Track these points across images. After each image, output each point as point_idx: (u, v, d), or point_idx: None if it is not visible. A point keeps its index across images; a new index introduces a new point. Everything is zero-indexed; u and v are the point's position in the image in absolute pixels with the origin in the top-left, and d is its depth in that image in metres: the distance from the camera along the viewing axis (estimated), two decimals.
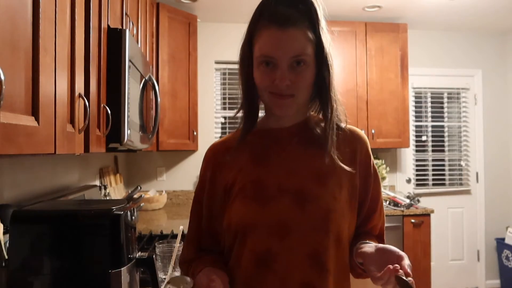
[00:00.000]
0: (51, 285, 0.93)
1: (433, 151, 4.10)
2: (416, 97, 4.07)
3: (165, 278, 1.35)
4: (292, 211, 0.89)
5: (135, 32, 2.18)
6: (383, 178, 3.70)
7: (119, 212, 0.97)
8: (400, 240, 3.27)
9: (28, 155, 0.81)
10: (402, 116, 3.63)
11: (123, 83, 1.51)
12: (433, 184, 4.08)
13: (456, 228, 4.05)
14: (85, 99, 1.15)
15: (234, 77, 3.79)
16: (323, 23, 0.90)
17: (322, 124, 0.98)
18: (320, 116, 0.99)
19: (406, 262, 0.79)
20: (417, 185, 4.04)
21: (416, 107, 4.07)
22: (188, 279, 0.88)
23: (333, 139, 0.92)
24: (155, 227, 2.49)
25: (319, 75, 0.90)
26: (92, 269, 0.94)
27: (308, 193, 0.90)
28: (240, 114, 0.98)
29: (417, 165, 4.06)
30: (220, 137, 3.05)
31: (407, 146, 3.67)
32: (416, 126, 4.06)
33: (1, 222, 1.13)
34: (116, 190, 2.85)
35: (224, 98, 3.83)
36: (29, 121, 0.80)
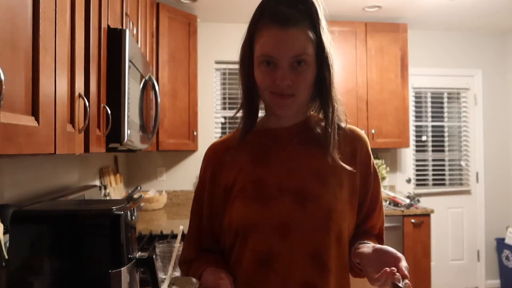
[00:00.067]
0: (51, 285, 0.93)
1: (433, 151, 4.10)
2: (416, 97, 4.07)
3: (165, 278, 1.35)
4: (293, 211, 0.89)
5: (135, 32, 2.18)
6: (383, 178, 3.70)
7: (119, 212, 0.97)
8: (400, 240, 3.27)
9: (28, 155, 0.81)
10: (402, 116, 3.63)
11: (123, 83, 1.51)
12: (433, 184, 4.08)
13: (456, 228, 4.05)
14: (85, 99, 1.15)
15: (234, 77, 3.79)
16: (323, 23, 0.90)
17: (322, 124, 0.98)
18: (320, 115, 0.99)
19: (403, 264, 0.79)
20: (417, 185, 4.04)
21: (416, 107, 4.07)
22: (194, 280, 0.88)
23: (334, 139, 0.92)
24: (155, 227, 2.49)
25: (319, 75, 0.91)
26: (92, 269, 0.94)
27: (308, 193, 0.90)
28: (240, 114, 0.98)
29: (417, 165, 4.06)
30: (220, 137, 3.06)
31: (407, 146, 3.68)
32: (416, 126, 4.06)
33: (1, 222, 1.13)
34: (116, 190, 2.85)
35: (224, 98, 3.83)
36: (29, 121, 0.80)
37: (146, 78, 1.96)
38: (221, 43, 3.71)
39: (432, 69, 4.05)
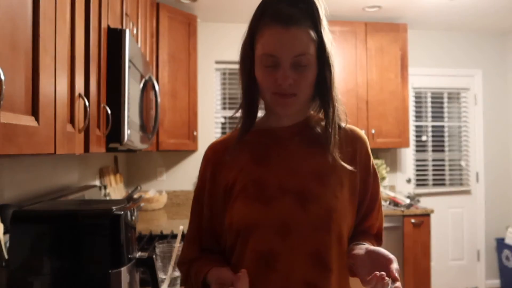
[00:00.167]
0: (51, 285, 0.93)
1: (433, 151, 4.10)
2: (416, 97, 4.07)
3: (165, 278, 1.35)
4: (294, 211, 0.89)
5: (135, 32, 2.18)
6: (383, 178, 3.69)
7: (119, 212, 0.97)
8: (400, 240, 3.27)
9: (28, 155, 0.81)
10: (402, 116, 3.64)
11: (123, 83, 1.51)
12: (433, 184, 4.08)
13: (456, 228, 4.05)
14: (85, 99, 1.15)
15: (234, 77, 3.79)
16: (324, 23, 0.90)
17: (323, 123, 0.98)
18: (320, 115, 0.99)
19: (394, 266, 0.79)
20: (417, 185, 4.04)
21: (416, 107, 4.07)
22: None
23: (335, 139, 0.92)
24: (155, 227, 2.49)
25: (320, 74, 0.90)
26: (92, 269, 0.94)
27: (309, 193, 0.90)
28: (239, 114, 0.98)
29: (417, 165, 4.06)
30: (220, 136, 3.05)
31: (407, 146, 3.68)
32: (416, 126, 4.06)
33: (1, 222, 1.13)
34: (116, 190, 2.85)
35: (224, 98, 3.83)
36: (29, 121, 0.80)
37: (146, 78, 1.96)
38: (221, 43, 3.72)
39: (432, 69, 4.05)
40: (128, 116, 1.53)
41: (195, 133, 3.37)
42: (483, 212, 4.10)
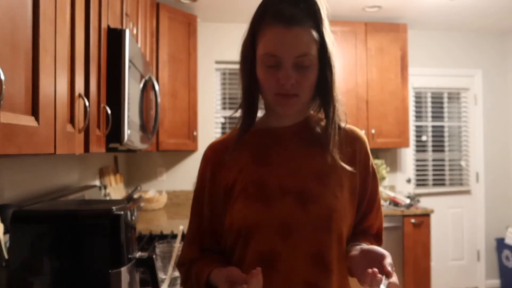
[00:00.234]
0: (51, 285, 0.93)
1: (433, 151, 4.10)
2: (416, 97, 4.07)
3: (165, 278, 1.36)
4: (294, 212, 0.89)
5: (135, 32, 2.18)
6: (383, 178, 3.69)
7: (119, 212, 0.97)
8: (400, 240, 3.27)
9: (28, 155, 0.81)
10: (402, 116, 3.64)
11: (123, 83, 1.51)
12: (433, 184, 4.08)
13: (456, 228, 4.05)
14: (85, 99, 1.15)
15: (234, 77, 3.79)
16: (326, 23, 0.90)
17: (322, 123, 0.98)
18: (320, 115, 0.99)
19: (388, 261, 0.80)
20: (417, 185, 4.04)
21: (416, 107, 4.07)
22: None
23: (335, 139, 0.92)
24: (155, 227, 2.49)
25: (321, 75, 0.90)
26: (92, 269, 0.94)
27: (310, 193, 0.90)
28: (238, 114, 0.98)
29: (417, 165, 4.06)
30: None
31: (407, 146, 3.68)
32: (416, 126, 4.06)
33: (1, 222, 1.13)
34: (116, 190, 2.85)
35: (224, 98, 3.83)
36: (29, 121, 0.80)
37: (146, 78, 1.96)
38: (221, 43, 3.72)
39: (432, 69, 4.05)
40: (128, 116, 1.53)
41: (195, 133, 3.37)
42: (483, 212, 4.10)
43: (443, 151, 4.12)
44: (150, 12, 2.81)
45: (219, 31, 3.72)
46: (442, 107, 4.13)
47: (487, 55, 4.14)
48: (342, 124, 0.97)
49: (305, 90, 0.89)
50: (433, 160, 4.10)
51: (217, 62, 3.76)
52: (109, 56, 1.48)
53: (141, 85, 1.86)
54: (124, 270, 0.96)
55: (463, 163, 4.14)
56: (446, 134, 4.13)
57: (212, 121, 3.73)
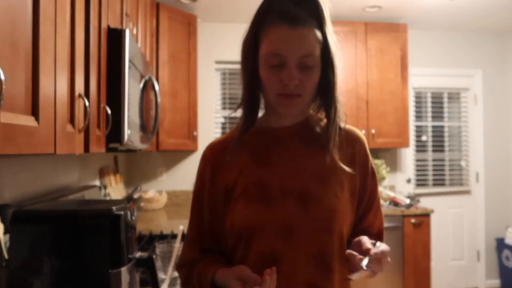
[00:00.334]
0: (51, 285, 0.93)
1: (433, 151, 4.10)
2: (416, 97, 4.07)
3: (165, 278, 1.36)
4: (296, 213, 0.89)
5: (135, 32, 2.18)
6: (383, 178, 3.69)
7: (119, 212, 0.97)
8: (400, 240, 3.27)
9: (28, 155, 0.81)
10: (402, 116, 3.64)
11: (123, 83, 1.51)
12: (433, 184, 4.08)
13: (456, 228, 4.05)
14: (85, 99, 1.15)
15: (234, 77, 3.79)
16: (329, 24, 0.89)
17: (322, 123, 0.98)
18: (319, 115, 0.99)
19: (364, 241, 0.85)
20: (417, 185, 4.04)
21: (416, 107, 4.07)
22: None
23: (336, 140, 0.92)
24: (155, 227, 2.49)
25: (323, 75, 0.90)
26: (92, 269, 0.94)
27: (311, 194, 0.90)
28: (238, 113, 0.97)
29: (417, 165, 4.06)
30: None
31: (407, 146, 3.68)
32: (416, 126, 4.06)
33: (1, 222, 1.13)
34: (116, 190, 2.85)
35: (224, 98, 3.83)
36: (29, 121, 0.80)
37: (146, 78, 1.96)
38: (221, 43, 3.72)
39: (432, 69, 4.05)
40: (128, 116, 1.53)
41: (195, 133, 3.37)
42: (483, 212, 4.10)
43: (443, 151, 4.12)
44: (150, 12, 2.81)
45: (219, 31, 3.72)
46: (442, 107, 4.13)
47: (487, 55, 4.14)
48: (342, 125, 0.97)
49: (308, 91, 0.89)
50: (433, 160, 4.10)
51: (217, 62, 3.76)
52: (109, 56, 1.48)
53: (141, 85, 1.86)
54: (124, 270, 0.96)
55: (463, 163, 4.14)
56: (446, 134, 4.13)
57: (212, 121, 3.73)
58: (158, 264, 1.38)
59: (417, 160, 4.06)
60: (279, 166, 0.94)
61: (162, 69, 3.10)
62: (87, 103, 1.16)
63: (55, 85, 0.94)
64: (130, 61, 1.55)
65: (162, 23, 3.10)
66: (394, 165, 3.97)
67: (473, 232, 4.09)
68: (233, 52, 3.61)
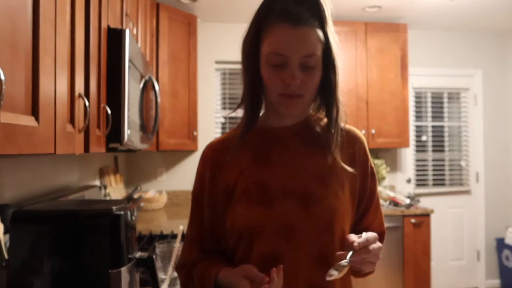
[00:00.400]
0: (51, 285, 0.93)
1: (433, 151, 4.10)
2: (416, 97, 4.07)
3: (165, 278, 1.36)
4: (297, 213, 0.88)
5: (135, 32, 2.18)
6: (383, 178, 3.69)
7: (119, 212, 0.97)
8: (400, 240, 3.27)
9: (28, 155, 0.81)
10: (402, 116, 3.64)
11: (123, 83, 1.51)
12: (433, 184, 4.08)
13: (456, 228, 4.05)
14: (85, 99, 1.15)
15: (234, 77, 3.79)
16: (330, 24, 0.89)
17: (322, 123, 0.98)
18: (319, 114, 0.99)
19: (350, 236, 0.84)
20: (417, 185, 4.04)
21: (416, 107, 4.07)
22: None
23: (338, 140, 0.92)
24: (155, 227, 2.49)
25: (325, 76, 0.90)
26: (92, 269, 0.94)
27: (312, 194, 0.90)
28: (239, 113, 0.97)
29: (417, 165, 4.06)
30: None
31: (407, 146, 3.68)
32: (416, 126, 4.06)
33: (1, 222, 1.13)
34: (116, 190, 2.85)
35: (224, 98, 3.83)
36: (29, 121, 0.80)
37: (146, 78, 1.96)
38: (221, 43, 3.72)
39: (432, 69, 4.05)
40: (128, 116, 1.53)
41: (195, 133, 3.37)
42: (483, 212, 4.10)
43: (443, 151, 4.12)
44: (150, 12, 2.81)
45: (219, 31, 3.72)
46: (442, 107, 4.13)
47: (487, 55, 4.14)
48: (342, 124, 0.97)
49: (309, 91, 0.89)
50: (433, 160, 4.10)
51: (217, 62, 3.75)
52: (109, 56, 1.48)
53: (141, 85, 1.86)
54: (124, 270, 0.96)
55: (463, 163, 4.14)
56: (446, 134, 4.13)
57: (212, 121, 3.73)
58: (158, 264, 1.38)
59: (417, 160, 4.06)
60: (280, 166, 0.93)
61: (162, 69, 3.10)
62: (87, 103, 1.16)
63: (55, 85, 0.94)
64: (130, 61, 1.55)
65: (162, 23, 3.10)
66: (394, 165, 3.97)
67: (473, 232, 4.09)
68: (233, 52, 3.61)
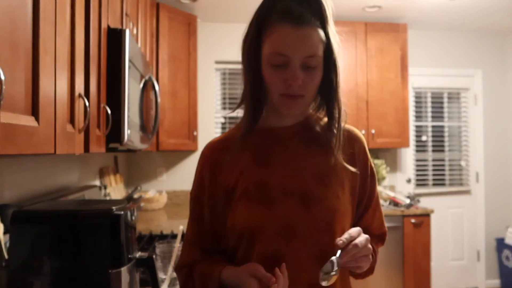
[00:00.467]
0: (51, 285, 0.93)
1: (433, 151, 4.10)
2: (416, 97, 4.07)
3: (165, 278, 1.36)
4: (297, 214, 0.88)
5: (135, 32, 2.18)
6: (383, 178, 3.69)
7: (119, 212, 0.97)
8: (400, 240, 3.27)
9: (28, 155, 0.81)
10: (402, 116, 3.64)
11: (123, 83, 1.51)
12: (433, 184, 4.08)
13: (456, 228, 4.05)
14: (85, 99, 1.15)
15: (234, 77, 3.79)
16: (332, 23, 0.88)
17: (321, 123, 0.98)
18: (319, 114, 0.98)
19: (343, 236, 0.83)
20: (417, 185, 4.04)
21: (416, 107, 4.07)
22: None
23: (340, 141, 0.92)
24: (155, 227, 2.49)
25: (326, 76, 0.89)
26: (92, 269, 0.94)
27: (312, 194, 0.90)
28: (240, 113, 0.97)
29: (417, 165, 4.06)
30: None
31: (407, 146, 3.68)
32: (416, 126, 4.06)
33: (1, 222, 1.13)
34: (116, 190, 2.85)
35: (224, 98, 3.83)
36: (29, 121, 0.80)
37: (146, 78, 1.96)
38: (221, 43, 3.72)
39: (432, 69, 4.05)
40: (128, 116, 1.53)
41: (195, 133, 3.37)
42: (483, 212, 4.10)
43: (443, 151, 4.12)
44: (150, 12, 2.81)
45: (219, 31, 3.72)
46: (442, 107, 4.13)
47: (487, 55, 4.14)
48: (342, 124, 0.97)
49: (310, 91, 0.89)
50: (433, 160, 4.10)
51: (217, 62, 3.75)
52: (109, 56, 1.48)
53: (141, 85, 1.86)
54: (124, 270, 0.96)
55: (463, 163, 4.14)
56: (446, 134, 4.13)
57: (212, 121, 3.73)
58: (158, 264, 1.38)
59: (417, 160, 4.06)
60: (280, 166, 0.93)
61: (162, 69, 3.10)
62: (87, 103, 1.16)
63: (55, 85, 0.94)
64: (130, 61, 1.55)
65: (162, 23, 3.10)
66: (394, 165, 3.97)
67: (473, 232, 4.09)
68: (233, 52, 3.61)
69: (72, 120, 1.09)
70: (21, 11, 0.78)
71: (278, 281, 0.78)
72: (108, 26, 1.50)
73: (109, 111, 1.44)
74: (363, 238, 0.84)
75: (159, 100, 2.12)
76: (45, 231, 0.95)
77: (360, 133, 1.02)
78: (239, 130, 0.97)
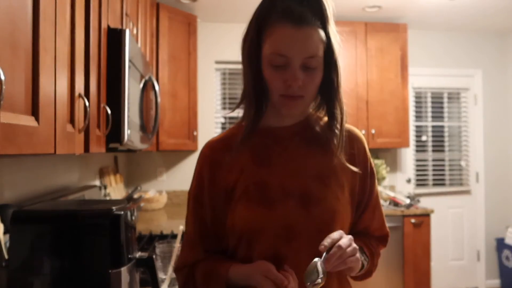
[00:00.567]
0: (51, 285, 0.93)
1: (433, 151, 4.10)
2: (416, 97, 4.07)
3: (165, 278, 1.36)
4: (297, 214, 0.88)
5: (135, 32, 2.18)
6: (383, 178, 3.69)
7: (119, 212, 0.97)
8: (400, 240, 3.27)
9: (28, 155, 0.81)
10: (402, 116, 3.64)
11: (123, 83, 1.51)
12: (433, 184, 4.08)
13: (456, 228, 4.05)
14: (85, 99, 1.15)
15: (234, 77, 3.79)
16: (332, 23, 0.88)
17: (321, 122, 0.98)
18: (319, 114, 0.98)
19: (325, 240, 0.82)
20: (417, 185, 4.04)
21: (416, 107, 4.07)
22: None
23: (343, 142, 0.91)
24: (155, 227, 2.49)
25: (326, 76, 0.89)
26: (92, 269, 0.94)
27: (312, 195, 0.90)
28: (240, 113, 0.97)
29: (417, 165, 4.06)
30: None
31: (407, 146, 3.68)
32: (416, 126, 4.06)
33: (1, 222, 1.13)
34: (116, 190, 2.85)
35: (224, 98, 3.83)
36: (29, 121, 0.80)
37: (146, 78, 1.96)
38: (221, 43, 3.72)
39: (432, 69, 4.05)
40: (128, 116, 1.53)
41: (195, 133, 3.37)
42: (483, 212, 4.10)
43: (443, 151, 4.12)
44: (150, 12, 2.81)
45: (219, 31, 3.72)
46: (442, 107, 4.13)
47: (487, 55, 4.14)
48: None
49: (310, 92, 0.88)
50: (433, 160, 4.09)
51: (217, 62, 3.75)
52: (109, 56, 1.48)
53: (141, 85, 1.86)
54: (124, 270, 0.96)
55: (463, 163, 4.14)
56: (446, 134, 4.13)
57: (212, 121, 3.73)
58: (158, 264, 1.38)
59: (417, 160, 4.06)
60: (280, 167, 0.93)
61: (162, 69, 3.10)
62: (87, 103, 1.16)
63: (55, 85, 0.94)
64: (130, 61, 1.55)
65: (162, 23, 3.10)
66: (394, 165, 3.97)
67: (473, 232, 4.09)
68: (233, 52, 3.61)
69: (72, 120, 1.09)
70: (21, 11, 0.78)
71: (289, 282, 0.78)
72: (108, 26, 1.50)
73: (109, 111, 1.43)
74: (346, 239, 0.82)
75: (159, 100, 2.12)
76: (45, 231, 0.95)
77: (360, 133, 1.02)
78: (238, 129, 0.96)
